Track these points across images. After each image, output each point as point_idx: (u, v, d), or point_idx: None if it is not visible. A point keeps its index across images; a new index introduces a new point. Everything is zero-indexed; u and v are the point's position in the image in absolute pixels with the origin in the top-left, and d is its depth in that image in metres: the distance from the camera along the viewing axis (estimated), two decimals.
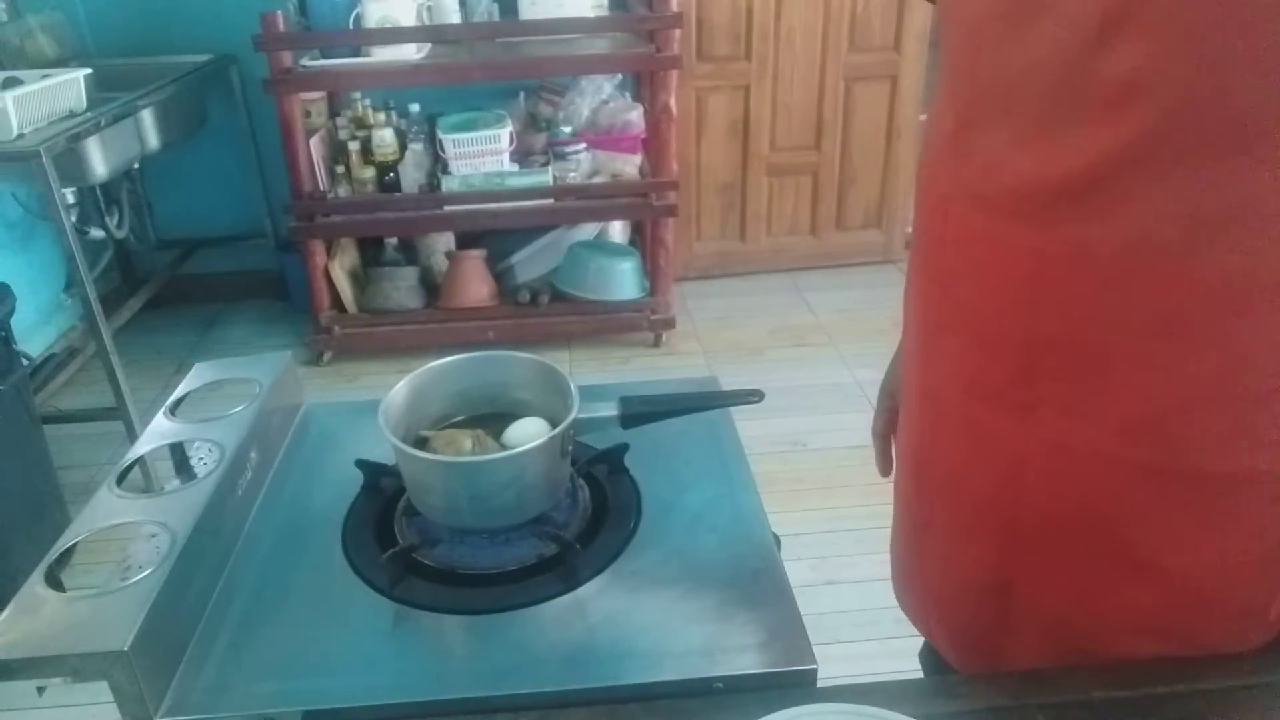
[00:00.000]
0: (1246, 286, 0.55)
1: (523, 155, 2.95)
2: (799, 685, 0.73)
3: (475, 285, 3.05)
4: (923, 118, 3.34)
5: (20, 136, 2.12)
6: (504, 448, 0.89)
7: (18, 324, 2.11)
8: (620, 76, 3.17)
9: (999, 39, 0.60)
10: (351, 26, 2.75)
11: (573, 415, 0.86)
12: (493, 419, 0.96)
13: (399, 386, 0.92)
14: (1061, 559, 0.69)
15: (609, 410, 0.92)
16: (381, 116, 2.95)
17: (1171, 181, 0.54)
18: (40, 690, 0.71)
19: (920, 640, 1.02)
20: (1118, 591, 0.67)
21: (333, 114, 3.14)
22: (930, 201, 0.71)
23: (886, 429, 0.95)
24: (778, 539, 0.89)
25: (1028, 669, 0.72)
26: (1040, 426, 0.65)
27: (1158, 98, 0.52)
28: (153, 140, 2.70)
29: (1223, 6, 0.50)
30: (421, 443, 0.91)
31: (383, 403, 0.88)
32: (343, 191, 2.97)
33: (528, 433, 0.90)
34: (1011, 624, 0.74)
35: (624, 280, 3.09)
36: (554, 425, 0.87)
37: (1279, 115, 0.51)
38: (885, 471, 0.95)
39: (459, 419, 0.98)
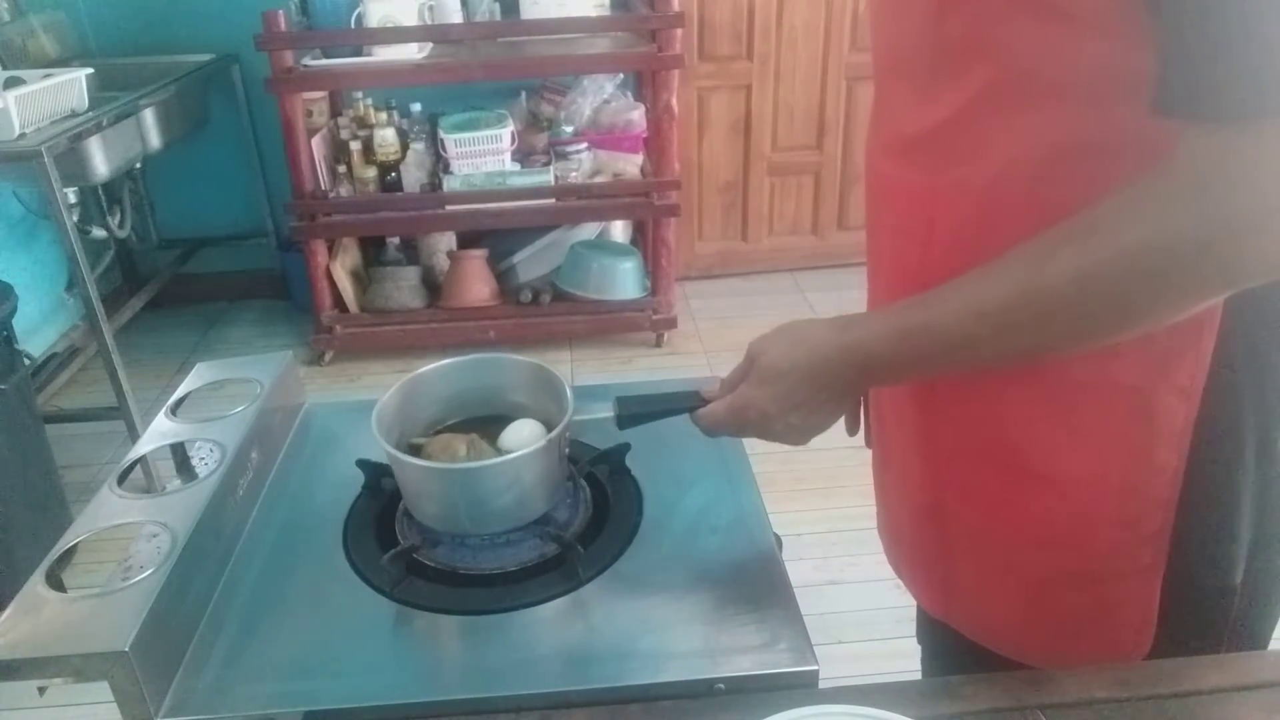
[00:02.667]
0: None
1: (524, 155, 2.95)
2: (801, 686, 0.73)
3: (477, 285, 3.05)
4: None
5: (22, 136, 2.12)
6: (500, 451, 0.89)
7: (19, 323, 2.12)
8: (622, 76, 3.16)
9: (883, 18, 0.73)
10: (353, 26, 2.75)
11: (568, 418, 0.86)
12: (487, 422, 0.96)
13: (391, 392, 0.91)
14: (974, 475, 0.75)
15: (608, 411, 0.91)
16: (383, 116, 2.95)
17: (1018, 125, 0.62)
18: (41, 690, 0.71)
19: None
20: (1018, 503, 0.72)
21: (334, 113, 3.14)
22: (866, 162, 0.82)
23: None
24: (779, 539, 0.89)
25: (1029, 670, 0.72)
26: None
27: (993, 53, 0.61)
28: (154, 140, 2.70)
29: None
30: (414, 450, 0.90)
31: (375, 409, 0.87)
32: (344, 191, 2.97)
33: (523, 435, 0.89)
34: (949, 546, 0.79)
35: (625, 280, 3.09)
36: (549, 427, 0.87)
37: (1094, 69, 0.58)
38: (852, 431, 0.98)
39: (453, 423, 0.97)
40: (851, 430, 0.97)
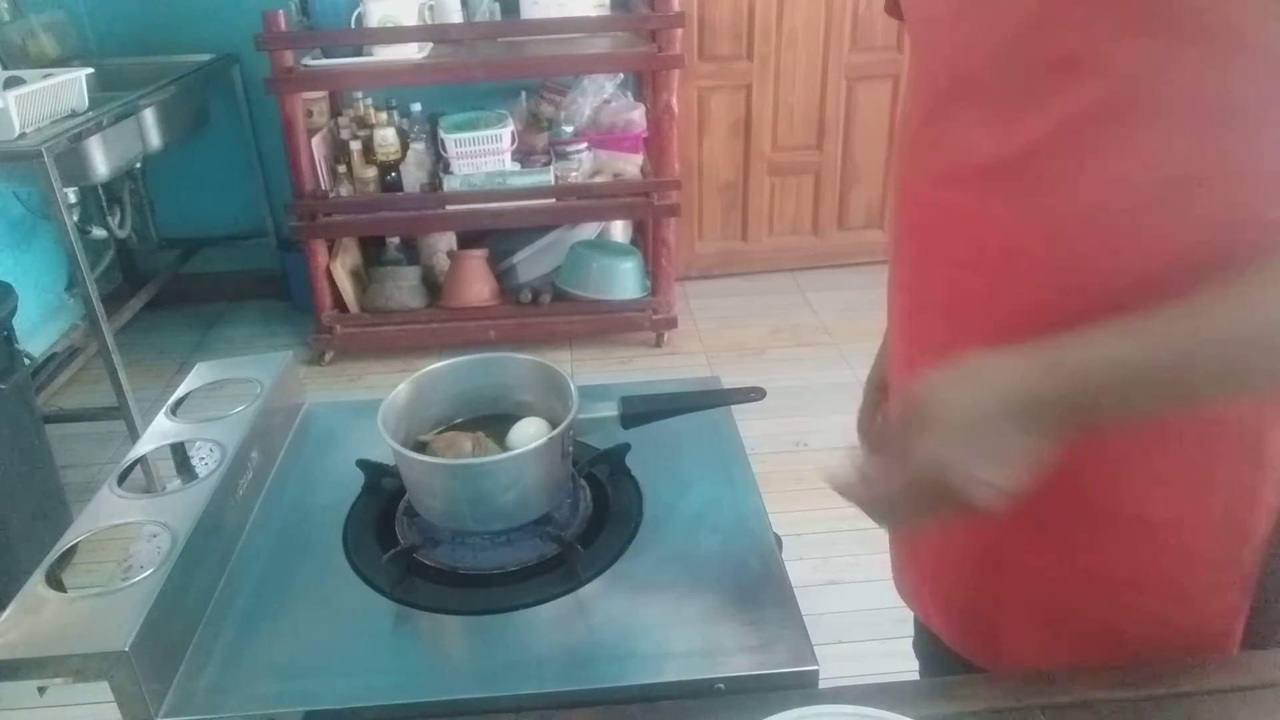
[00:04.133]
0: (1218, 244, 0.57)
1: (524, 155, 2.95)
2: (801, 686, 0.73)
3: (477, 285, 3.05)
4: None
5: (22, 136, 2.12)
6: (506, 450, 0.89)
7: (19, 323, 2.12)
8: (622, 76, 3.16)
9: (952, 34, 0.65)
10: (353, 26, 2.75)
11: (572, 416, 0.86)
12: (493, 421, 0.96)
13: (399, 389, 0.92)
14: (1042, 517, 0.69)
15: (610, 410, 0.92)
16: (383, 116, 2.96)
17: (1120, 151, 0.57)
18: (41, 690, 0.71)
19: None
20: (1099, 548, 0.68)
21: (334, 113, 3.14)
22: (907, 190, 0.74)
23: (864, 418, 0.97)
24: (779, 539, 0.89)
25: (1028, 670, 0.72)
26: None
27: (1098, 72, 0.56)
28: (154, 140, 2.70)
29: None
30: (420, 447, 0.90)
31: (382, 406, 0.88)
32: (344, 191, 2.97)
33: (529, 434, 0.89)
34: (1000, 591, 0.75)
35: (625, 280, 3.09)
36: (555, 426, 0.87)
37: (1218, 88, 0.53)
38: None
39: (459, 421, 0.98)
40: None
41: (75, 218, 2.43)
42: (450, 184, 2.87)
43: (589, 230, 3.22)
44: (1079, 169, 0.59)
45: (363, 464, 0.95)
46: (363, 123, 2.98)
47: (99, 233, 2.80)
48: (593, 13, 2.92)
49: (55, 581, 0.76)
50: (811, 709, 0.64)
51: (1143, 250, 0.57)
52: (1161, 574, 0.68)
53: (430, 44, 2.85)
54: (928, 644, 0.92)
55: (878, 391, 0.95)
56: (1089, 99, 0.57)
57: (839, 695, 0.67)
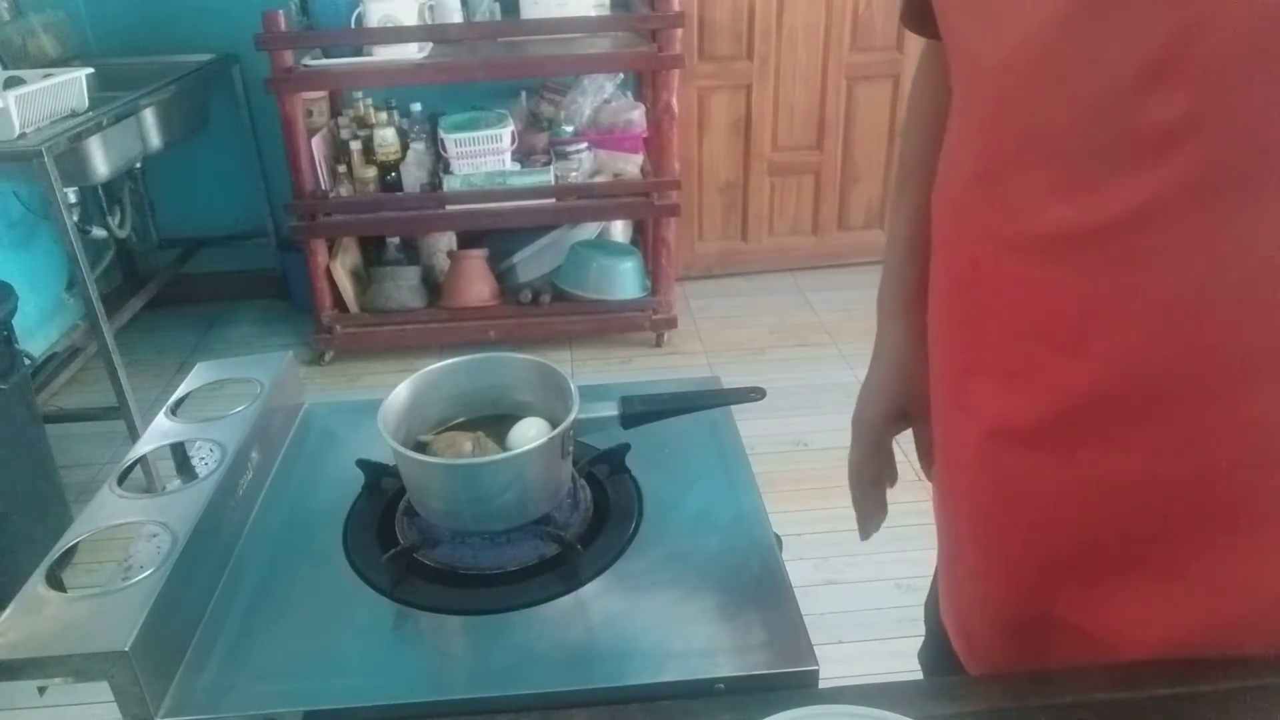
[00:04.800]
0: None
1: (524, 155, 2.95)
2: (801, 686, 0.73)
3: (477, 285, 3.05)
4: None
5: (22, 136, 2.12)
6: (506, 450, 0.89)
7: (19, 323, 2.12)
8: (622, 76, 3.16)
9: (1026, 90, 0.58)
10: (353, 26, 2.75)
11: (573, 416, 0.86)
12: (493, 421, 0.96)
13: (399, 389, 0.92)
14: (1101, 583, 0.67)
15: (610, 410, 0.92)
16: (383, 116, 2.95)
17: (1232, 220, 0.52)
18: (41, 690, 0.71)
19: (919, 639, 1.02)
20: (1167, 608, 0.65)
21: (334, 113, 3.14)
22: (954, 245, 0.70)
23: (868, 468, 0.91)
24: (779, 539, 0.89)
25: (1029, 670, 0.72)
26: (1080, 465, 0.63)
27: (1206, 140, 0.51)
28: (154, 140, 2.70)
29: (1261, 55, 0.48)
30: (421, 447, 0.90)
31: (382, 406, 0.88)
32: (344, 191, 2.97)
33: (529, 435, 0.89)
34: (1050, 658, 0.72)
35: (625, 280, 3.09)
36: (555, 426, 0.87)
37: None
38: (868, 532, 0.91)
39: (459, 421, 0.97)
40: (866, 534, 0.91)
41: (75, 218, 2.43)
42: (450, 184, 2.87)
43: (589, 230, 3.22)
44: (1176, 243, 0.53)
45: (363, 464, 0.95)
46: (363, 123, 2.98)
47: (99, 233, 2.80)
48: (593, 13, 2.92)
49: (55, 581, 0.76)
50: (812, 709, 0.64)
51: (1240, 329, 0.53)
52: (1229, 628, 0.65)
53: (430, 44, 2.85)
54: (931, 654, 0.91)
55: (869, 430, 0.90)
56: (1198, 161, 0.51)
57: (839, 695, 0.67)
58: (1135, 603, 0.66)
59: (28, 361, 2.35)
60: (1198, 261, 0.53)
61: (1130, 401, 0.60)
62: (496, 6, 2.97)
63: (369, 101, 2.99)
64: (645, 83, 3.20)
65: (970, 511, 0.75)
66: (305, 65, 2.77)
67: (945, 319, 0.75)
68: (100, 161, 2.40)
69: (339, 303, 3.07)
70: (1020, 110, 0.59)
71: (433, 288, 3.15)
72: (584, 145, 2.98)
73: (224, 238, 3.39)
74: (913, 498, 1.05)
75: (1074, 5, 0.52)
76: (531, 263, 3.22)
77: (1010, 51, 0.57)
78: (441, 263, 3.15)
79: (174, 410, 1.00)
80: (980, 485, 0.72)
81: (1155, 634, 0.66)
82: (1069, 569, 0.68)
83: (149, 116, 2.64)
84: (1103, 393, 0.60)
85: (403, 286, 3.08)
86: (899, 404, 0.89)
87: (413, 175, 2.94)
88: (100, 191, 2.75)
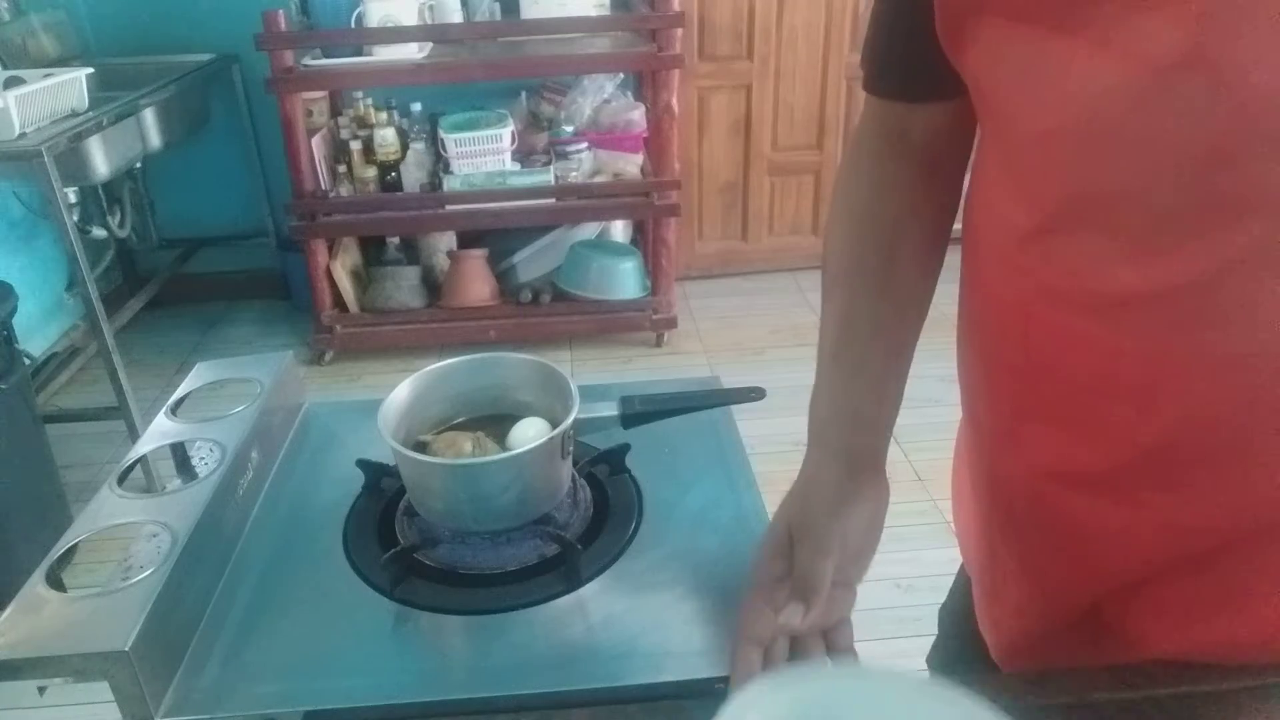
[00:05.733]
0: None
1: (524, 154, 2.96)
2: None
3: (477, 285, 3.05)
4: None
5: (22, 136, 2.12)
6: (506, 450, 0.89)
7: (19, 323, 2.12)
8: (622, 76, 3.17)
9: (1077, 157, 0.56)
10: (353, 26, 2.75)
11: (573, 416, 0.86)
12: (493, 421, 0.96)
13: (399, 389, 0.92)
14: (1161, 612, 0.67)
15: (610, 410, 0.91)
16: (383, 116, 2.96)
17: None
18: (41, 690, 0.71)
19: (928, 640, 1.02)
20: (1237, 627, 0.65)
21: (334, 113, 3.14)
22: (1000, 296, 0.68)
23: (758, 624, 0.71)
24: None
25: (1029, 670, 0.72)
26: (1145, 509, 0.63)
27: (1267, 207, 0.49)
28: (154, 139, 2.70)
29: None
30: (421, 447, 0.90)
31: (382, 406, 0.87)
32: (344, 191, 2.97)
33: (529, 434, 0.89)
34: (1091, 657, 0.71)
35: (626, 280, 3.09)
36: (555, 426, 0.87)
37: None
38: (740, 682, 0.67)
39: (459, 421, 0.97)
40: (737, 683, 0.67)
41: (75, 218, 2.44)
42: (450, 184, 2.87)
43: (589, 230, 3.22)
44: (1244, 308, 0.52)
45: (363, 464, 0.95)
46: (363, 123, 2.98)
47: (99, 233, 2.80)
48: (593, 13, 2.92)
49: (55, 581, 0.76)
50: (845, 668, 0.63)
51: None
52: None
53: (430, 44, 2.85)
54: (954, 661, 0.90)
55: (781, 539, 0.75)
56: (1263, 233, 0.50)
57: None
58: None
59: (28, 361, 2.36)
60: (1269, 318, 0.52)
61: (1199, 450, 0.59)
62: (496, 6, 2.97)
63: (369, 101, 2.99)
64: (645, 83, 3.20)
65: (1016, 538, 0.75)
66: (305, 65, 2.77)
67: (989, 366, 0.73)
68: (100, 161, 2.40)
69: (339, 303, 3.07)
70: (1072, 175, 0.57)
71: (433, 288, 3.15)
72: (584, 145, 2.98)
73: (224, 238, 3.40)
74: (913, 498, 1.05)
75: (1128, 83, 0.50)
76: (531, 263, 3.22)
77: (1057, 120, 0.55)
78: (441, 263, 3.15)
79: (174, 410, 1.00)
80: (1032, 521, 0.72)
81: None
82: (1119, 590, 0.68)
83: (149, 116, 2.64)
84: (1172, 443, 0.59)
85: (403, 286, 3.08)
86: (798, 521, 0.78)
87: (413, 175, 2.94)
88: (100, 191, 2.75)
